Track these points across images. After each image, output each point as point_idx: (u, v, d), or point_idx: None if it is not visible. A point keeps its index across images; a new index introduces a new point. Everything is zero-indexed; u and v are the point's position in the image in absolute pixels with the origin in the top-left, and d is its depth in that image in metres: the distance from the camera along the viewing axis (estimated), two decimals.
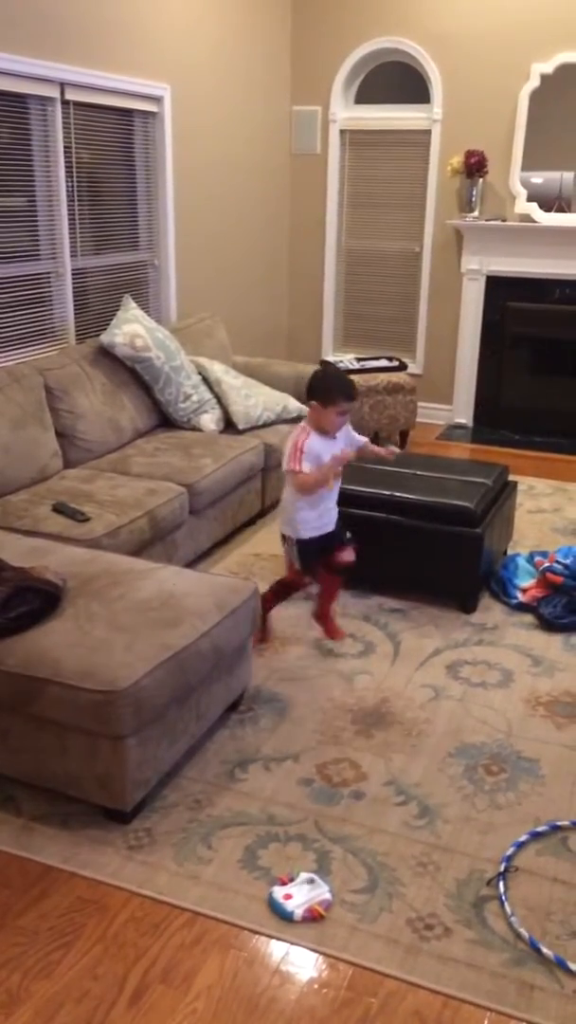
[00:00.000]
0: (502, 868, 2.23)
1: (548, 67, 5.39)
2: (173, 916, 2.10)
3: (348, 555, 3.22)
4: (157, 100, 4.69)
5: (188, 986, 1.92)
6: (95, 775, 2.31)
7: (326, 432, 3.02)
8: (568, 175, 5.58)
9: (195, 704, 2.55)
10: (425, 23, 5.62)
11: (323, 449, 3.01)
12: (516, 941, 2.04)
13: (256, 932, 2.05)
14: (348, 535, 3.22)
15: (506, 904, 2.12)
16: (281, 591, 3.33)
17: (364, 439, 3.22)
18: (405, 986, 1.93)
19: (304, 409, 4.70)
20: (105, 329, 4.23)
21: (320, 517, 3.12)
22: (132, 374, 4.22)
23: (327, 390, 2.98)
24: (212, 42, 5.09)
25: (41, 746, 2.35)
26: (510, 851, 2.28)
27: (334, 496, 3.16)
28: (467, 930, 2.07)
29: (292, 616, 3.50)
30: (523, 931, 2.04)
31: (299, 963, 1.98)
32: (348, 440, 3.14)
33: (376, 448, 3.24)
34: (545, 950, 1.99)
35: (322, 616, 3.36)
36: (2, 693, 2.32)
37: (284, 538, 3.19)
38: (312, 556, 3.17)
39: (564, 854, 2.30)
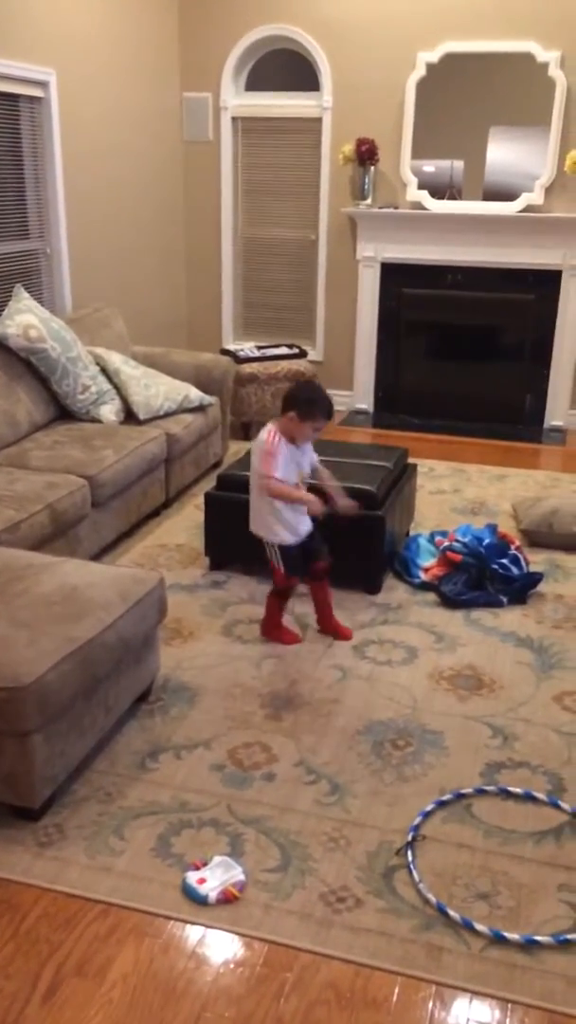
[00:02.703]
0: (410, 837, 2.29)
1: (434, 56, 5.50)
2: (86, 909, 2.09)
3: (323, 562, 3.23)
4: (43, 85, 4.58)
5: (103, 977, 1.91)
6: (1, 774, 2.27)
7: (293, 440, 3.02)
8: (458, 163, 5.72)
9: (103, 697, 2.54)
10: (312, 11, 5.65)
11: (290, 456, 3.01)
12: (424, 907, 2.10)
13: (171, 918, 2.06)
14: (325, 548, 3.22)
15: (414, 872, 2.19)
16: (278, 602, 3.28)
17: (317, 459, 3.19)
18: (319, 959, 1.97)
19: (206, 398, 4.70)
20: None
21: (299, 521, 3.09)
22: (27, 366, 4.13)
23: (309, 405, 2.97)
24: (98, 26, 5.01)
25: None
26: (417, 821, 2.35)
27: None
28: (378, 900, 2.12)
29: (200, 605, 3.51)
30: (431, 896, 2.11)
31: (215, 945, 2.00)
32: (310, 453, 3.14)
33: (331, 488, 3.18)
34: (452, 913, 2.06)
35: (327, 625, 3.33)
36: None
37: (264, 543, 3.14)
38: (295, 559, 3.15)
39: (468, 820, 2.38)
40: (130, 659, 2.66)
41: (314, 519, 3.14)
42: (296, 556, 3.15)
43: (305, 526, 3.13)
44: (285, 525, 3.08)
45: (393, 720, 2.82)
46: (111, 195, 5.34)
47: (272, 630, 3.29)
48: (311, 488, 3.17)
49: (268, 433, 3.01)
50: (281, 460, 2.97)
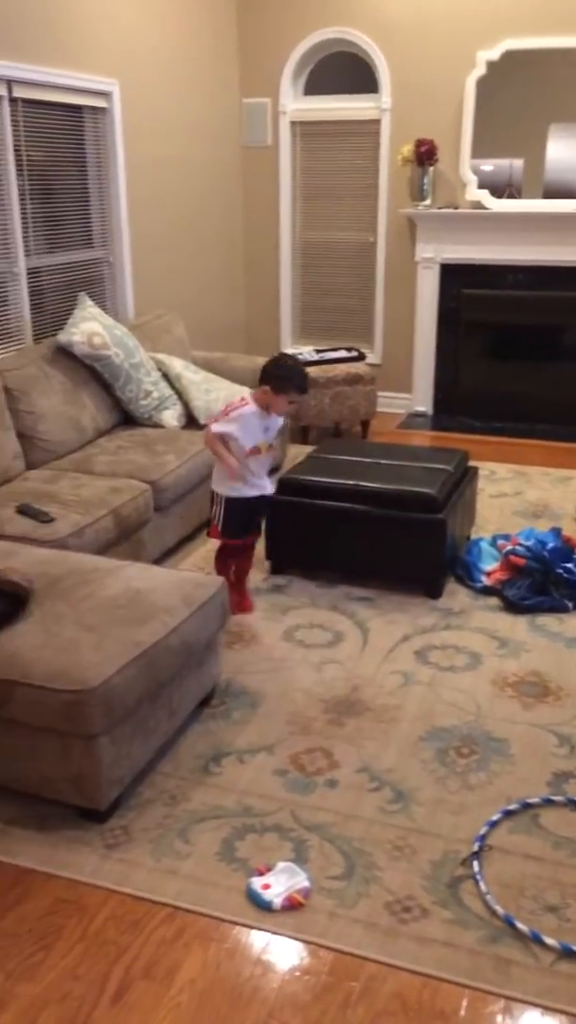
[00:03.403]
0: (476, 848, 2.26)
1: (494, 54, 5.44)
2: (153, 912, 2.11)
3: (254, 536, 3.48)
4: (106, 95, 4.65)
5: (171, 981, 1.93)
6: (69, 776, 2.31)
7: (267, 411, 3.20)
8: (518, 162, 5.64)
9: (167, 700, 2.56)
10: (370, 12, 5.64)
11: (258, 423, 3.20)
12: (492, 918, 2.07)
13: (236, 923, 2.07)
14: (260, 524, 3.51)
15: (481, 883, 2.16)
16: (224, 559, 3.45)
17: (277, 432, 3.36)
18: (385, 969, 1.95)
19: None
20: (62, 328, 4.20)
21: (256, 477, 3.28)
22: (91, 373, 4.20)
23: (283, 379, 3.16)
24: (159, 35, 5.06)
25: (12, 749, 2.34)
26: (483, 830, 2.32)
27: (266, 465, 3.33)
28: (444, 910, 2.10)
29: (260, 609, 3.51)
30: (498, 908, 2.08)
31: (280, 951, 2.00)
32: (277, 426, 3.31)
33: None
34: (520, 925, 2.03)
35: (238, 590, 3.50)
36: None
37: (213, 496, 3.34)
38: (235, 518, 3.32)
39: (535, 831, 2.34)
40: (193, 663, 2.68)
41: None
42: (238, 517, 3.31)
43: (260, 485, 3.29)
44: (242, 484, 3.24)
45: (457, 727, 2.79)
46: (171, 202, 5.40)
47: (235, 602, 3.40)
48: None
49: (238, 398, 3.23)
50: (236, 424, 3.16)
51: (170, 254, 5.46)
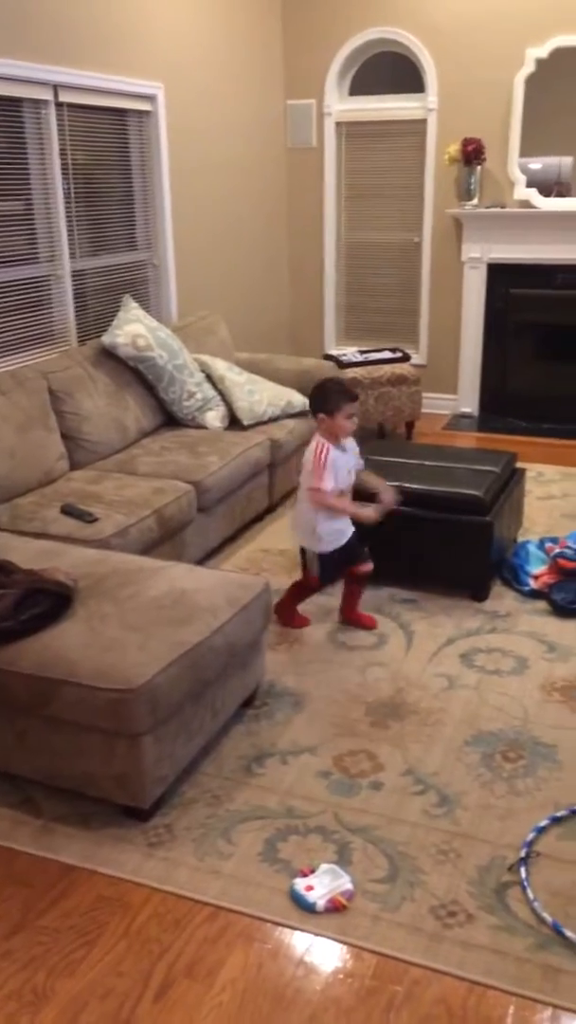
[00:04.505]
0: (523, 854, 2.22)
1: (543, 51, 5.37)
2: (195, 911, 2.10)
3: (367, 567, 3.31)
4: (151, 99, 4.69)
5: (213, 980, 1.92)
6: (113, 774, 2.31)
7: (338, 440, 3.10)
8: (567, 159, 5.56)
9: (210, 700, 2.55)
10: (416, 12, 5.60)
11: (343, 463, 3.11)
12: (539, 926, 2.03)
13: (279, 924, 2.05)
14: (366, 550, 3.30)
15: (528, 889, 2.12)
16: (299, 593, 3.39)
17: (361, 463, 3.27)
18: (430, 973, 1.92)
19: (307, 402, 4.70)
20: (106, 330, 4.23)
21: (340, 530, 3.19)
22: (135, 374, 4.22)
23: (331, 396, 3.06)
24: (204, 38, 5.09)
25: (58, 747, 2.36)
26: (531, 836, 2.28)
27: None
28: (490, 916, 2.06)
29: (304, 611, 3.49)
30: (546, 915, 2.04)
31: (323, 954, 1.98)
32: (356, 455, 3.21)
33: (378, 486, 3.23)
34: (569, 934, 1.98)
35: (351, 617, 3.41)
36: (18, 695, 2.33)
37: (303, 551, 3.26)
38: (333, 567, 3.25)
39: None
40: (236, 663, 2.67)
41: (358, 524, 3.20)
42: (334, 563, 3.23)
43: (349, 531, 3.20)
44: (331, 535, 3.16)
45: (503, 731, 2.75)
46: (216, 204, 5.42)
47: (287, 616, 3.39)
48: (357, 494, 3.25)
49: (316, 446, 3.08)
50: (332, 471, 3.05)
51: (214, 256, 5.48)
